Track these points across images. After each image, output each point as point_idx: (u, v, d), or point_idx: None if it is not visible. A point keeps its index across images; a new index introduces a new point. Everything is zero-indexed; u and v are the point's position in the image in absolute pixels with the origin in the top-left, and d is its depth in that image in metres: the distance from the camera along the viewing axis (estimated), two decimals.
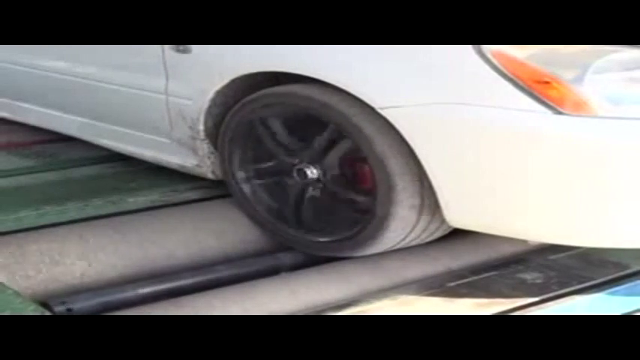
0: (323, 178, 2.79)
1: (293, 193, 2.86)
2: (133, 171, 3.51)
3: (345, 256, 2.79)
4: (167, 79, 3.09)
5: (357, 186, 2.76)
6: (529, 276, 2.68)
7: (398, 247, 2.75)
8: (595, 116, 2.34)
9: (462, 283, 2.64)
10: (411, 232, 2.68)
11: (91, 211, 3.04)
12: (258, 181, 2.98)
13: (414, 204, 2.61)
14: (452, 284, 2.64)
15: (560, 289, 2.59)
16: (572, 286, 2.61)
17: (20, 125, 4.09)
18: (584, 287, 2.62)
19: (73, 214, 3.00)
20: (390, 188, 2.58)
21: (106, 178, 3.47)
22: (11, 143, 3.99)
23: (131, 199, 3.16)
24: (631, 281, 2.66)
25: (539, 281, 2.65)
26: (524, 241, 2.91)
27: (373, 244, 2.70)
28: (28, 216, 2.97)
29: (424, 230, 2.70)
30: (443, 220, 2.62)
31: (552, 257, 2.81)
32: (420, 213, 2.63)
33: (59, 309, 2.50)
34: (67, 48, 3.35)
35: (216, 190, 3.22)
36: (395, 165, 2.58)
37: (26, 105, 3.90)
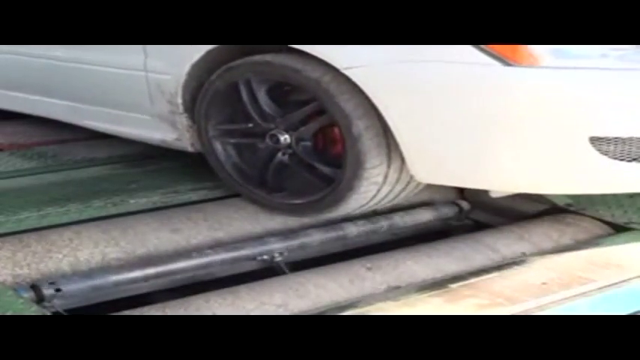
0: (294, 145, 2.88)
1: (265, 157, 2.95)
2: (134, 172, 3.52)
3: (313, 216, 2.96)
4: (146, 55, 3.17)
5: (327, 150, 2.87)
6: (530, 277, 2.68)
7: (364, 209, 2.87)
8: (540, 67, 2.46)
9: (464, 285, 2.63)
10: (377, 193, 2.79)
11: (92, 213, 3.04)
12: (230, 142, 3.06)
13: (380, 164, 2.71)
14: (453, 285, 2.63)
15: (562, 290, 2.59)
16: (573, 287, 2.61)
17: (22, 127, 4.10)
18: (585, 289, 2.61)
19: (75, 216, 3.01)
20: (357, 150, 2.68)
21: (107, 179, 3.46)
22: (13, 144, 3.99)
23: (132, 201, 3.16)
24: (632, 283, 2.66)
25: (540, 282, 2.64)
26: (525, 243, 2.93)
27: (340, 205, 2.82)
28: (30, 217, 2.97)
29: (390, 191, 2.81)
30: (409, 180, 2.75)
31: (554, 258, 2.81)
32: (386, 174, 2.74)
33: (48, 291, 2.52)
34: None
35: (218, 191, 3.22)
36: (361, 126, 2.67)
37: (11, 93, 3.94)
